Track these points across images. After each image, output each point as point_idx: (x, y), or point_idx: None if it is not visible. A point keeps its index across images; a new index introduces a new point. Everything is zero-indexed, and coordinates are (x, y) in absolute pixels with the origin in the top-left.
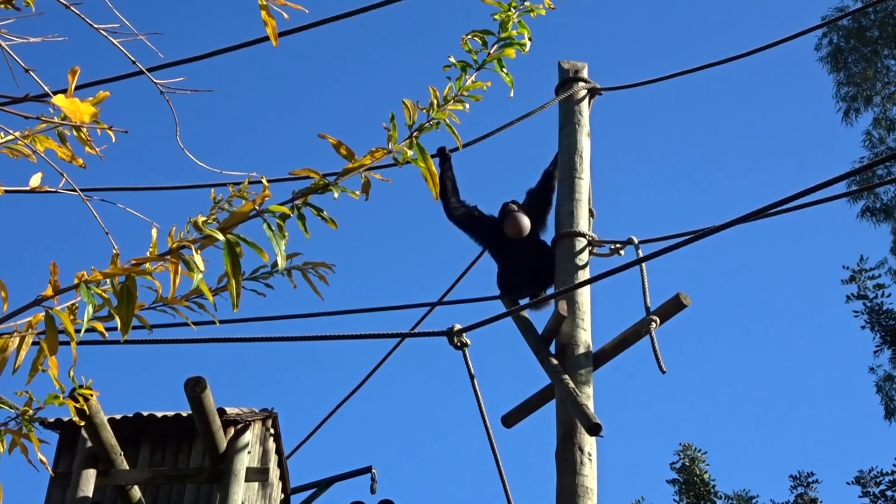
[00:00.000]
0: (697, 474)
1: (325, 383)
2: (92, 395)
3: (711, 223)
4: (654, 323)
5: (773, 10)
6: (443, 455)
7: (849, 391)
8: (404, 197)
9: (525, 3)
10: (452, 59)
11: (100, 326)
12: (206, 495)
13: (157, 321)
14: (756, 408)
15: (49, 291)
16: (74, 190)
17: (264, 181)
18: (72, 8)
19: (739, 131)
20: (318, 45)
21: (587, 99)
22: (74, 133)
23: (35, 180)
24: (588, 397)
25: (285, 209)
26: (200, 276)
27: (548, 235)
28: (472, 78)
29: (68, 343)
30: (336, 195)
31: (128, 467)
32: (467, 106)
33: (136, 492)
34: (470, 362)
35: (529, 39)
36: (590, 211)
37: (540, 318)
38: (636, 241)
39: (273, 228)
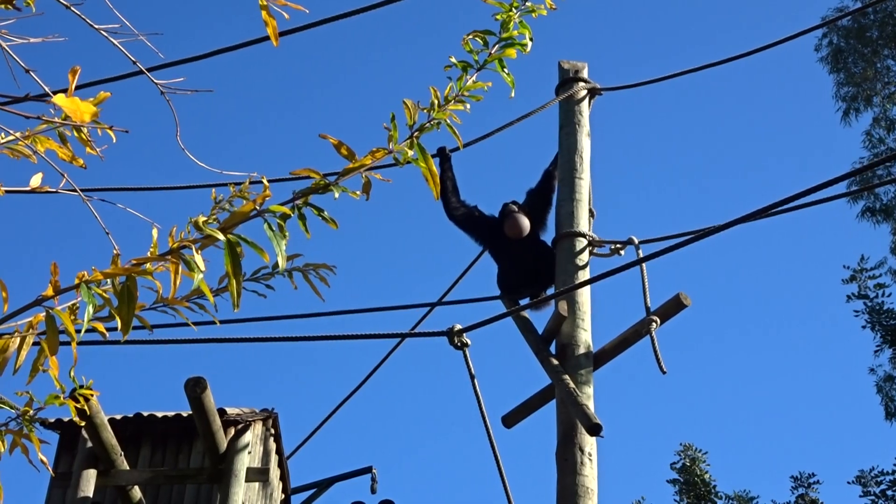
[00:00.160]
0: (698, 474)
1: (326, 383)
2: (92, 396)
3: (712, 223)
4: (654, 323)
5: (772, 10)
6: (443, 455)
7: (849, 392)
8: (405, 197)
9: (526, 4)
10: (453, 59)
11: (100, 327)
12: (207, 496)
13: (157, 321)
14: (757, 408)
15: (50, 291)
16: (75, 190)
17: (265, 181)
18: (72, 8)
19: (739, 131)
20: (319, 45)
21: (587, 99)
22: (75, 133)
23: (36, 180)
24: (588, 397)
25: (286, 209)
26: (201, 276)
27: (548, 235)
28: (473, 78)
29: (69, 343)
30: (337, 195)
31: (128, 467)
32: (468, 106)
33: (137, 492)
34: (470, 362)
35: (531, 40)
36: (590, 211)
37: (540, 319)
38: (636, 241)
39: (274, 228)
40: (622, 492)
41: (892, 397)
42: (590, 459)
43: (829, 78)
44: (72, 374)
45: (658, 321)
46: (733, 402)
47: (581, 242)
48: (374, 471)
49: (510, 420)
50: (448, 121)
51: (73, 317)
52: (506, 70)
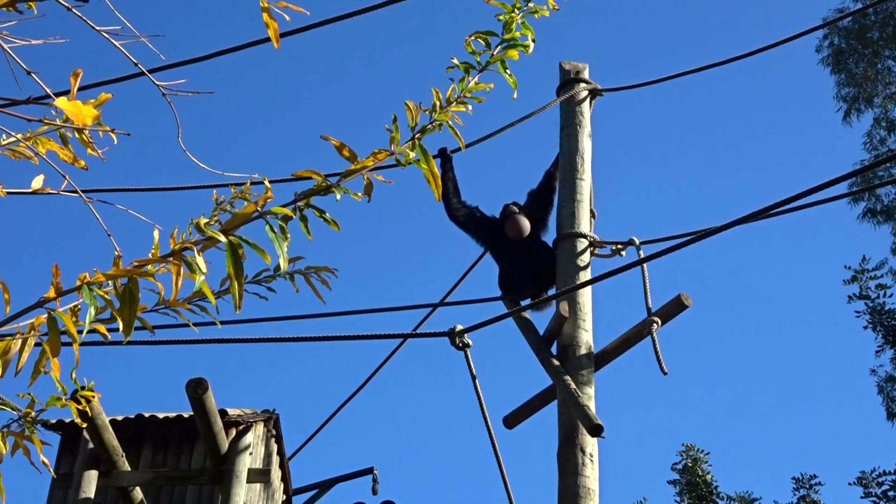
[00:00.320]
0: (700, 475)
1: (327, 384)
2: (94, 397)
3: (713, 224)
4: (655, 324)
5: (773, 10)
6: (444, 456)
7: (851, 392)
8: (406, 198)
9: (529, 4)
10: (455, 61)
11: (102, 328)
12: (208, 496)
13: (158, 323)
14: (758, 409)
15: (51, 293)
16: (76, 191)
17: (266, 183)
18: (73, 10)
19: (740, 132)
20: (320, 47)
21: (588, 100)
22: (76, 135)
23: (37, 182)
24: (590, 398)
25: (288, 211)
26: (202, 277)
27: (549, 236)
28: (475, 79)
29: (71, 345)
30: (338, 197)
31: (129, 469)
32: (470, 107)
33: (138, 493)
34: (472, 363)
35: (533, 41)
36: (591, 212)
37: (541, 319)
38: (637, 241)
39: (275, 230)
40: (623, 492)
41: (894, 398)
42: (591, 460)
43: (829, 78)
44: (73, 375)
45: (659, 322)
46: (735, 403)
47: (582, 243)
48: (375, 472)
49: (511, 421)
50: (450, 122)
51: (74, 318)
52: (508, 71)
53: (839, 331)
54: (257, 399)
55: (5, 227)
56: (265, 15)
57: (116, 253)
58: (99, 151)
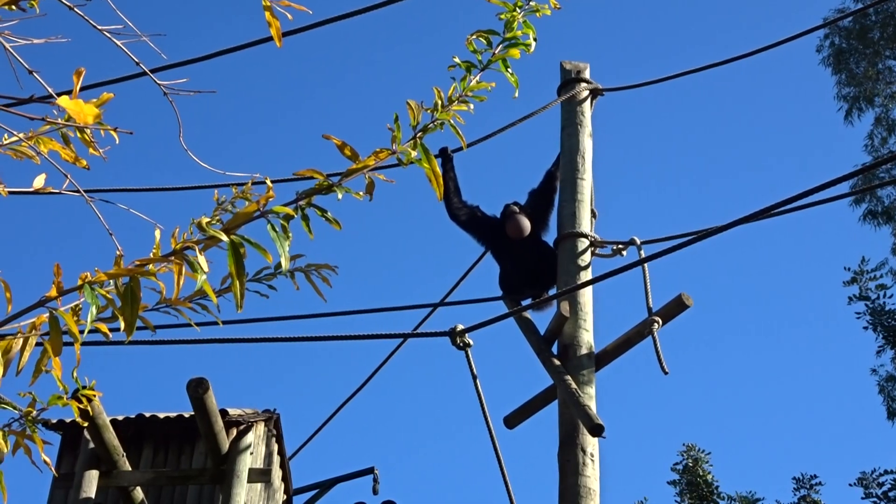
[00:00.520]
0: (700, 475)
1: (328, 384)
2: (95, 397)
3: (714, 224)
4: (656, 324)
5: (773, 10)
6: (445, 456)
7: (851, 392)
8: (408, 198)
9: (531, 3)
10: (457, 60)
11: (103, 327)
12: (209, 496)
13: (160, 322)
14: (759, 409)
15: (53, 292)
16: (78, 191)
17: (268, 182)
18: (75, 9)
19: (741, 132)
20: (322, 46)
21: (589, 99)
22: (78, 134)
23: (39, 181)
24: (590, 398)
25: (289, 210)
26: (204, 277)
27: (550, 236)
28: (477, 78)
29: (72, 344)
30: (340, 196)
31: (130, 468)
32: (471, 106)
33: (139, 493)
34: (472, 363)
35: (534, 40)
36: (592, 212)
37: (542, 319)
38: (638, 241)
39: (277, 229)
40: (624, 493)
41: (894, 397)
42: (592, 460)
43: (830, 78)
44: (74, 374)
45: (660, 322)
46: (735, 403)
47: (583, 243)
48: (376, 471)
49: (512, 421)
50: (451, 121)
51: (76, 317)
52: (509, 70)
53: (840, 331)
54: (258, 399)
55: (7, 226)
56: (267, 14)
57: (118, 252)
58: (101, 151)
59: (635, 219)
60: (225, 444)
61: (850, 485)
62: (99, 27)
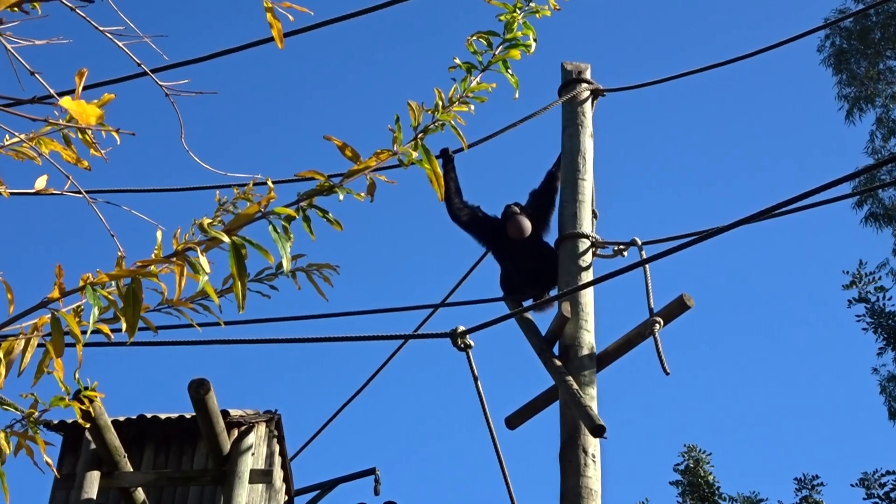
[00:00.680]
0: (702, 476)
1: (329, 385)
2: (97, 397)
3: (715, 224)
4: (657, 324)
5: (774, 11)
6: (446, 457)
7: (853, 393)
8: (409, 198)
9: (530, 4)
10: (458, 61)
11: (105, 328)
12: (210, 497)
13: (161, 323)
14: (760, 409)
15: (55, 294)
16: (79, 192)
17: (269, 183)
18: (77, 10)
19: (742, 132)
20: (323, 47)
21: (590, 100)
22: (79, 135)
23: (40, 182)
24: (592, 399)
25: (291, 211)
26: (206, 277)
27: (551, 237)
28: (478, 79)
29: (74, 345)
30: (341, 197)
31: (132, 469)
32: (472, 107)
33: (140, 494)
34: (474, 364)
35: (535, 41)
36: (593, 212)
37: (543, 320)
38: (639, 242)
39: (278, 230)
40: (626, 493)
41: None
42: (593, 461)
43: (831, 79)
44: (76, 375)
45: (661, 322)
46: (737, 404)
47: (584, 243)
48: (377, 472)
49: (513, 421)
50: (452, 122)
51: (77, 319)
52: (510, 71)
53: (841, 331)
54: (259, 399)
55: (8, 227)
56: (269, 15)
57: (120, 253)
58: (102, 152)
59: (636, 219)
60: (226, 445)
61: (852, 485)
62: (100, 28)
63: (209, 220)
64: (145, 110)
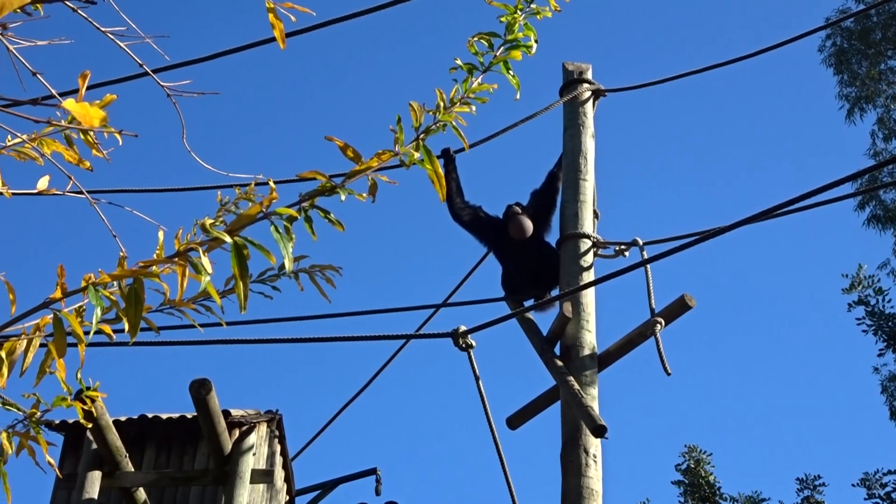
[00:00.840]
0: (703, 476)
1: (331, 385)
2: (98, 397)
3: (716, 224)
4: (659, 324)
5: (775, 11)
6: (448, 456)
7: (854, 393)
8: (410, 199)
9: (531, 6)
10: (459, 62)
11: (107, 329)
12: (211, 497)
13: (163, 323)
14: (761, 409)
15: (57, 294)
16: (81, 192)
17: (271, 183)
18: (79, 11)
19: (744, 132)
20: (325, 47)
21: (591, 100)
22: (81, 136)
23: (42, 183)
24: (593, 399)
25: (292, 211)
26: (208, 278)
27: (552, 237)
28: (479, 80)
29: (76, 345)
30: (343, 197)
31: (133, 469)
32: (473, 108)
33: (142, 494)
34: (475, 364)
35: (536, 42)
36: (594, 212)
37: (545, 320)
38: (641, 242)
39: (280, 231)
40: (627, 493)
41: None
42: (594, 461)
43: (832, 79)
44: (79, 376)
45: (663, 322)
46: (738, 404)
47: (585, 244)
48: (378, 472)
49: (515, 421)
50: (454, 122)
51: (80, 319)
52: (511, 72)
53: (842, 331)
54: (260, 400)
55: (11, 228)
56: (271, 16)
57: (122, 253)
58: (104, 152)
59: (638, 219)
60: (228, 445)
61: (853, 485)
62: (102, 29)
63: (211, 221)
64: (147, 111)
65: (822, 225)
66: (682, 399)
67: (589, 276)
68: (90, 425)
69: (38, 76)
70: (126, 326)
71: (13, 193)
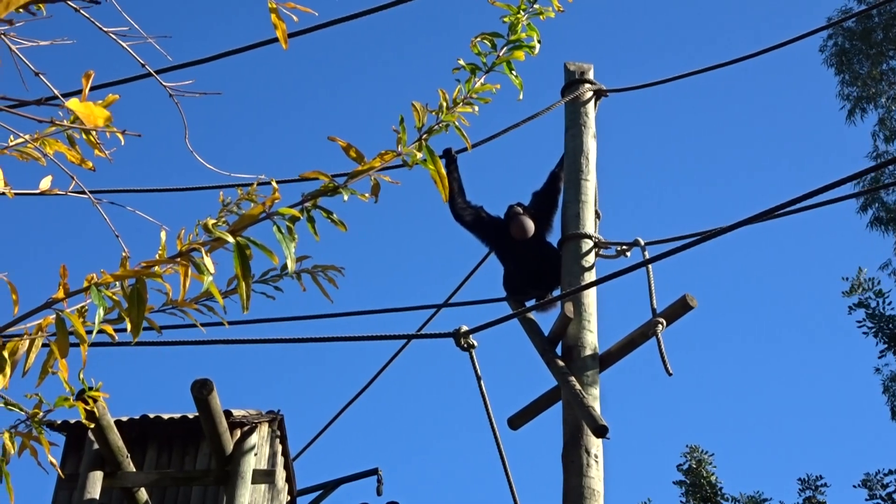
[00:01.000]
0: (704, 476)
1: (332, 385)
2: (101, 398)
3: (718, 225)
4: (660, 325)
5: (776, 11)
6: (449, 457)
7: (856, 393)
8: (412, 199)
9: (534, 6)
10: (462, 62)
11: (109, 329)
12: (213, 497)
13: (165, 323)
14: (763, 410)
15: (59, 294)
16: (84, 192)
17: (274, 183)
18: (81, 11)
19: (745, 132)
20: (327, 47)
21: (593, 100)
22: (84, 136)
23: (45, 183)
24: (594, 399)
25: (295, 212)
26: (210, 278)
27: (554, 237)
28: (482, 80)
29: (78, 345)
30: (346, 197)
31: (134, 469)
32: (476, 108)
33: (143, 494)
34: (477, 364)
35: (538, 42)
36: (596, 212)
37: (546, 320)
38: (642, 242)
39: (283, 231)
40: (628, 493)
41: None
42: (596, 461)
43: (834, 79)
44: (81, 376)
45: (664, 323)
46: (739, 404)
47: (587, 244)
48: (380, 472)
49: (516, 422)
50: (456, 123)
51: (82, 319)
52: (514, 72)
53: (844, 332)
54: (262, 400)
55: (13, 228)
56: (273, 16)
57: (124, 254)
58: (106, 152)
59: (639, 220)
60: (229, 445)
61: (854, 486)
62: (104, 29)
63: (213, 221)
64: (149, 111)
65: (823, 225)
66: (683, 399)
67: (590, 277)
68: (92, 425)
69: (41, 76)
70: (128, 327)
71: (16, 193)
